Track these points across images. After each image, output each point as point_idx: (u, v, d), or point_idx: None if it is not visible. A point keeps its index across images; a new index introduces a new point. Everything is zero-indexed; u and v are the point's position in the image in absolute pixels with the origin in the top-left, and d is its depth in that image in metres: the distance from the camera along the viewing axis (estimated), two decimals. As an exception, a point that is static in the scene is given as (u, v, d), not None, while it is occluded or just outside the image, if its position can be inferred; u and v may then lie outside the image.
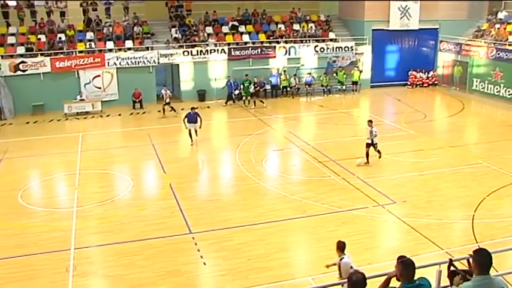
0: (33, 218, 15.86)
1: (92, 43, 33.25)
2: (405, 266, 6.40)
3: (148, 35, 34.59)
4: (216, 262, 12.59)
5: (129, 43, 33.49)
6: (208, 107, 31.79)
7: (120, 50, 32.98)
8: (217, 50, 33.90)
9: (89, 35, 34.01)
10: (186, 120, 23.30)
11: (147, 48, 33.09)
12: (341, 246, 10.05)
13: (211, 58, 33.76)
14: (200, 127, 23.34)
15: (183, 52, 33.32)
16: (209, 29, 35.72)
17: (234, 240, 13.71)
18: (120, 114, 30.54)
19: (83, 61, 31.84)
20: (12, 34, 33.48)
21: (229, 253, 12.97)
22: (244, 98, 32.41)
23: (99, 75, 32.23)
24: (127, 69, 32.39)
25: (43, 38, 33.22)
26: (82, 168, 20.26)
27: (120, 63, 32.34)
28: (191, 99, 32.86)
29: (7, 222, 15.50)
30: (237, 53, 34.17)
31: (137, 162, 21.20)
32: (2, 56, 31.22)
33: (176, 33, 34.85)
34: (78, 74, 31.89)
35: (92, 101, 31.33)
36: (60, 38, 33.14)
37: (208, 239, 13.79)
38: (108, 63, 32.17)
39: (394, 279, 6.66)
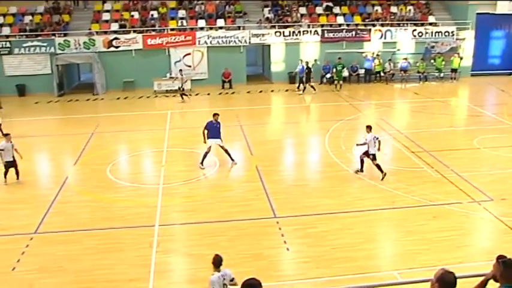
0: (121, 192, 16.48)
1: (184, 21, 33.97)
2: (506, 267, 6.01)
3: (240, 14, 34.84)
4: (299, 248, 12.52)
5: (220, 22, 33.92)
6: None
7: (211, 28, 33.49)
8: (310, 31, 33.62)
9: (181, 12, 34.77)
10: (206, 132, 18.14)
11: (239, 28, 33.37)
12: (216, 261, 8.98)
13: (304, 40, 33.54)
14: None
15: (275, 33, 33.29)
16: (302, 10, 35.45)
17: (318, 227, 13.57)
18: (209, 94, 31.10)
19: (174, 39, 32.63)
20: (107, 11, 34.85)
21: (313, 240, 12.86)
22: (336, 82, 31.97)
23: (189, 54, 32.95)
24: (217, 49, 32.86)
25: (136, 15, 34.34)
26: (169, 146, 20.83)
27: (211, 42, 32.86)
28: (281, 81, 32.87)
29: (96, 195, 16.22)
30: (331, 35, 33.73)
31: (225, 141, 21.47)
32: (96, 32, 32.61)
33: (269, 13, 34.85)
34: (168, 51, 32.75)
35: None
36: (152, 15, 34.12)
37: (293, 224, 13.73)
38: (199, 41, 32.77)
39: (491, 281, 6.30)
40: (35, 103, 30.20)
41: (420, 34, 34.36)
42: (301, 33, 33.45)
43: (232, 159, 18.44)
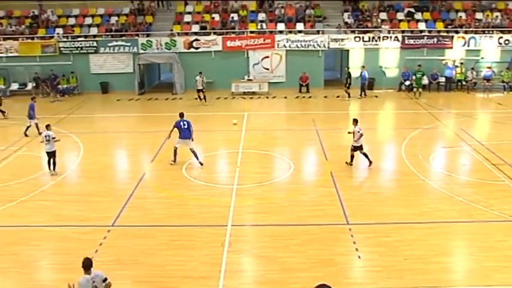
0: (195, 190, 16.80)
1: (263, 24, 34.24)
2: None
3: (320, 19, 34.72)
4: (371, 257, 12.31)
5: (300, 26, 33.94)
6: (376, 96, 31.19)
7: (290, 32, 33.55)
8: (390, 37, 33.03)
9: (261, 15, 35.07)
10: (177, 131, 18.75)
11: (318, 32, 33.26)
12: (85, 265, 9.01)
13: (383, 45, 33.01)
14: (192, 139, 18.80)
15: (355, 38, 32.95)
16: (383, 15, 34.90)
17: (391, 236, 13.29)
18: (286, 97, 31.20)
19: (253, 41, 32.94)
20: (189, 13, 35.68)
21: (385, 249, 12.60)
22: (415, 90, 31.24)
23: (268, 57, 33.17)
24: (296, 52, 32.91)
25: (217, 17, 34.94)
26: (245, 147, 21.03)
27: (289, 46, 32.94)
28: (359, 86, 32.40)
29: (171, 192, 16.61)
30: (411, 41, 33.00)
31: (299, 146, 21.45)
32: (178, 33, 33.46)
33: (348, 17, 34.54)
34: (247, 54, 33.08)
35: (259, 81, 32.37)
36: (232, 18, 34.59)
37: (365, 232, 13.52)
38: (278, 44, 32.92)
39: None
40: (117, 100, 31.36)
41: (507, 42, 32.97)
42: (381, 38, 32.92)
43: (201, 163, 18.81)
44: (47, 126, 18.72)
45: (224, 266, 11.90)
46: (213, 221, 14.31)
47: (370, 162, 18.53)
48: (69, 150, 21.77)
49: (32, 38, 34.32)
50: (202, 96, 29.74)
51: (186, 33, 33.76)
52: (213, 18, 35.02)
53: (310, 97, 31.07)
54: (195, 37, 33.20)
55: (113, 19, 35.51)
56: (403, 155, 19.95)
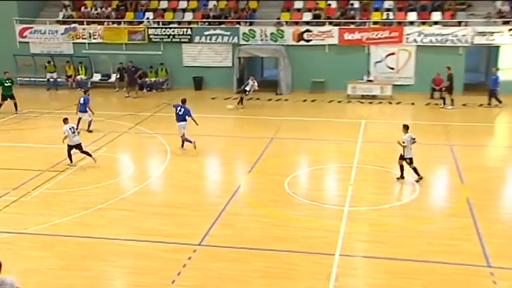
0: (298, 210, 16.78)
1: (390, 13, 33.79)
2: None
3: (463, 7, 33.66)
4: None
5: (436, 15, 33.17)
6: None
7: (423, 23, 32.89)
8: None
9: (388, 3, 34.72)
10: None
11: (459, 23, 32.28)
12: None
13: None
14: (196, 123, 22.40)
15: (509, 30, 31.51)
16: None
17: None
18: (413, 103, 30.60)
19: (377, 34, 32.65)
20: (301, -2, 35.76)
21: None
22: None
23: (393, 53, 32.76)
24: (429, 48, 32.24)
25: (334, 4, 34.92)
26: (360, 162, 20.80)
27: (421, 40, 32.33)
28: (509, 92, 30.96)
29: (270, 209, 16.71)
30: None
31: (427, 164, 20.87)
32: (286, 22, 33.71)
33: (502, 5, 33.14)
34: (368, 49, 32.82)
35: (382, 83, 32.01)
36: (352, 5, 34.48)
37: (513, 278, 12.93)
38: (407, 39, 32.42)
39: None
40: (212, 98, 32.14)
41: None
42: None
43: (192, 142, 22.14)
44: (65, 120, 20.43)
45: (329, 304, 11.81)
46: (318, 247, 14.23)
47: (420, 177, 18.69)
48: (153, 154, 22.58)
49: (119, 23, 35.96)
50: (240, 98, 30.10)
51: (296, 23, 34.03)
52: (329, 5, 35.08)
53: (438, 104, 30.23)
54: (306, 27, 33.37)
55: (211, 3, 36.48)
56: None
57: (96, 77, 36.03)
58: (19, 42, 36.69)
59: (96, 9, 37.44)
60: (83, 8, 37.70)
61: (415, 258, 13.73)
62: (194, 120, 22.42)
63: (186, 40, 34.47)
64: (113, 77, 35.35)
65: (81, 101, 24.66)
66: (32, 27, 36.52)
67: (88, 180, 19.24)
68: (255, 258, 13.76)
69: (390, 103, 30.77)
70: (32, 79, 35.89)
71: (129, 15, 36.59)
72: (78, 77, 35.62)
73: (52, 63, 35.90)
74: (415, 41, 32.42)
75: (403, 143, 18.41)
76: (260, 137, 23.78)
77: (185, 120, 22.36)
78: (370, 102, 31.05)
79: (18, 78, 35.10)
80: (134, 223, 15.85)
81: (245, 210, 16.81)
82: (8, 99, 28.59)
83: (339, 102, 31.31)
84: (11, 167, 20.77)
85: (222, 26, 34.31)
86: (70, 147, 20.37)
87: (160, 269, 13.11)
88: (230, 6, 35.90)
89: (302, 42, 33.30)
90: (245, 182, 19.22)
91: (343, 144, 23.24)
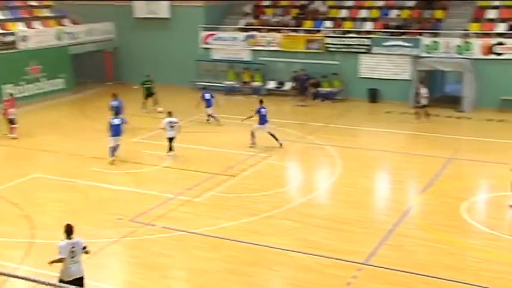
0: (475, 238, 16.09)
1: None
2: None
3: None
4: None
5: None
6: None
7: None
8: None
9: None
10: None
11: None
12: (67, 230, 11.67)
13: None
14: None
15: None
16: None
17: None
18: None
19: None
20: (495, 7, 34.01)
21: None
22: None
23: None
24: None
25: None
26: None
27: None
28: None
29: (443, 234, 16.10)
30: None
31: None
32: (476, 34, 32.33)
33: None
34: None
35: None
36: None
37: None
38: None
39: None
40: (386, 112, 31.57)
41: None
42: None
43: (280, 144, 23.95)
44: (169, 113, 23.28)
45: None
46: (497, 283, 13.45)
47: None
48: (322, 165, 22.65)
49: (297, 31, 36.49)
50: (423, 115, 29.07)
51: (487, 34, 32.49)
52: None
53: None
54: (498, 40, 31.74)
55: (393, 13, 35.91)
56: None
57: (271, 85, 36.74)
58: (202, 48, 38.46)
59: (275, 17, 38.28)
60: (262, 16, 38.71)
61: None
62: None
63: (364, 51, 34.22)
64: (287, 85, 35.90)
65: (263, 112, 24.67)
66: (215, 34, 38.16)
67: (257, 187, 19.74)
68: (422, 285, 13.40)
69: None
70: (210, 84, 37.39)
71: (307, 24, 37.02)
72: (254, 84, 36.54)
73: (233, 70, 37.22)
74: None
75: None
76: (435, 156, 22.97)
77: (266, 121, 24.25)
78: None
79: (197, 83, 36.86)
80: (299, 234, 16.01)
81: (415, 232, 16.35)
82: (149, 97, 31.34)
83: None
84: (188, 168, 21.83)
85: (403, 36, 33.65)
86: (170, 140, 22.97)
87: (321, 284, 13.18)
88: (413, 16, 35.14)
89: (492, 56, 31.70)
90: (417, 202, 18.74)
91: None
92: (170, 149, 23.02)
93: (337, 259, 14.45)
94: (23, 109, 29.38)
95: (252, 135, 24.11)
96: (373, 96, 34.25)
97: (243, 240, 15.61)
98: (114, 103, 26.57)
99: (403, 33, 33.83)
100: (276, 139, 23.92)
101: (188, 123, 28.14)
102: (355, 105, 32.90)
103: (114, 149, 22.39)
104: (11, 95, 28.60)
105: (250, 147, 23.94)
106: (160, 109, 29.56)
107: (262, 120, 24.22)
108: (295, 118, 30.16)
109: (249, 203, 18.29)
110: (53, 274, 11.69)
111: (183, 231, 16.30)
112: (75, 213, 17.49)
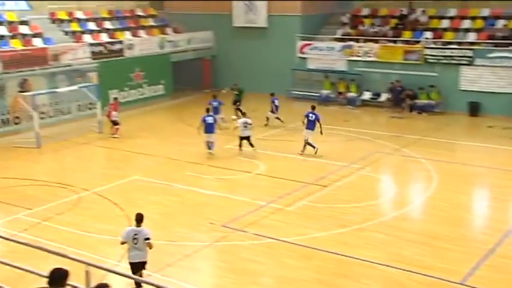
0: None
1: None
2: None
3: None
4: None
5: None
6: None
7: None
8: None
9: None
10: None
11: None
12: (137, 218, 12.57)
13: None
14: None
15: None
16: None
17: None
18: None
19: None
20: None
21: None
22: None
23: None
24: None
25: None
26: None
27: None
28: None
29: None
30: None
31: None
32: None
33: None
34: None
35: None
36: None
37: None
38: None
39: None
40: (488, 127, 30.53)
41: None
42: None
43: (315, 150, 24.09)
44: (244, 114, 26.01)
45: None
46: None
47: None
48: (417, 179, 22.21)
49: (395, 42, 35.98)
50: None
51: None
52: None
53: None
54: None
55: (500, 23, 34.67)
56: None
57: (366, 95, 36.35)
58: (298, 57, 38.59)
59: (373, 28, 37.89)
60: (360, 26, 38.42)
61: None
62: (321, 128, 24.26)
63: (466, 62, 33.29)
64: (383, 96, 35.43)
65: (311, 117, 24.54)
66: (311, 44, 38.20)
67: (348, 198, 19.58)
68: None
69: None
70: (305, 93, 37.36)
71: (406, 34, 36.41)
72: (349, 94, 36.27)
73: (328, 80, 37.14)
74: None
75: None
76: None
77: (314, 127, 24.24)
78: None
79: (293, 92, 37.15)
80: (391, 248, 15.73)
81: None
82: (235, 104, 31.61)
83: None
84: (281, 176, 21.91)
85: (510, 47, 32.49)
86: (241, 138, 24.59)
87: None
88: (521, 27, 33.89)
89: None
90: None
91: None
92: (240, 146, 24.74)
93: (430, 276, 14.07)
94: (125, 113, 30.54)
95: (308, 143, 24.44)
96: (474, 109, 33.24)
97: (333, 251, 15.49)
98: (214, 103, 28.30)
99: (509, 44, 32.67)
100: (312, 146, 24.19)
101: (285, 131, 28.33)
102: (454, 118, 32.03)
103: (210, 144, 24.38)
104: (115, 99, 30.46)
105: (299, 153, 24.56)
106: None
107: (309, 125, 24.38)
108: (391, 130, 29.71)
109: (339, 214, 18.16)
110: (147, 273, 11.99)
111: (274, 238, 16.36)
112: (172, 216, 18.17)
